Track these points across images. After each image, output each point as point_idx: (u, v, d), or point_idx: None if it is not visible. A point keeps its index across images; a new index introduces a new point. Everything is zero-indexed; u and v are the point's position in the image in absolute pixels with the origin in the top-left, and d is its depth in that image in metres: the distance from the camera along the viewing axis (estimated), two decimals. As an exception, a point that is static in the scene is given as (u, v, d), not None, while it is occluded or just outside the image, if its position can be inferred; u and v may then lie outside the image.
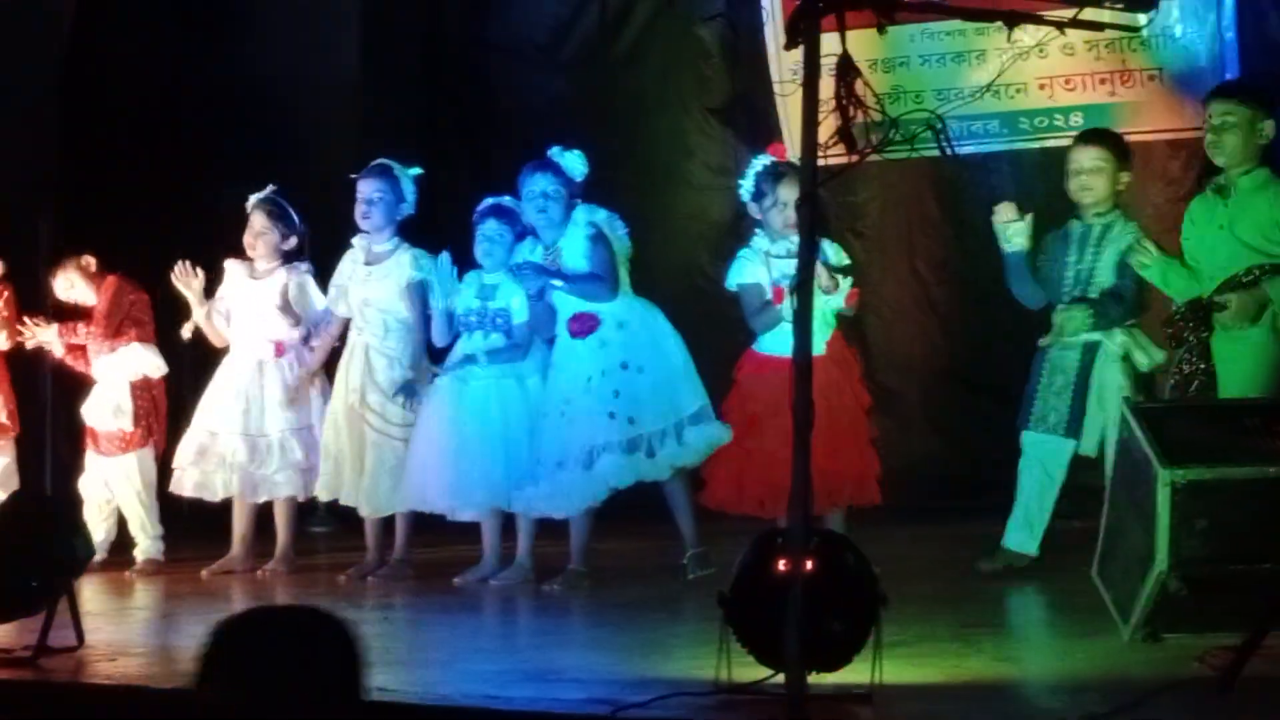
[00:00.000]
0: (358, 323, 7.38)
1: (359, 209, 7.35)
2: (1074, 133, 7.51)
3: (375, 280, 7.34)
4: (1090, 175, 6.62)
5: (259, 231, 7.60)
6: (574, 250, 6.87)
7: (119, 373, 7.76)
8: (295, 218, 7.66)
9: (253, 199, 7.63)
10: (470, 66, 9.63)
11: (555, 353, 6.94)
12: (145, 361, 7.76)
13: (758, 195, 6.83)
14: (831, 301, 6.66)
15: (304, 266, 7.65)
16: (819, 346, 6.65)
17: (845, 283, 6.65)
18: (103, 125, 9.01)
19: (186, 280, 7.54)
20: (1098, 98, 8.27)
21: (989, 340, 8.43)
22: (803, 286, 4.00)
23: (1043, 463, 6.61)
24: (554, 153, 6.94)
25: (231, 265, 7.68)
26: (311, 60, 9.26)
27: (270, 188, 7.64)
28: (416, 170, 7.44)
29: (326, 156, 8.86)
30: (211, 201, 8.24)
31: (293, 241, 7.66)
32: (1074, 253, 6.65)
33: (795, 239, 6.52)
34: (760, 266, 6.79)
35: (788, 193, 6.56)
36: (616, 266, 6.87)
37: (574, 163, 6.94)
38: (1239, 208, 6.00)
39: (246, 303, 7.62)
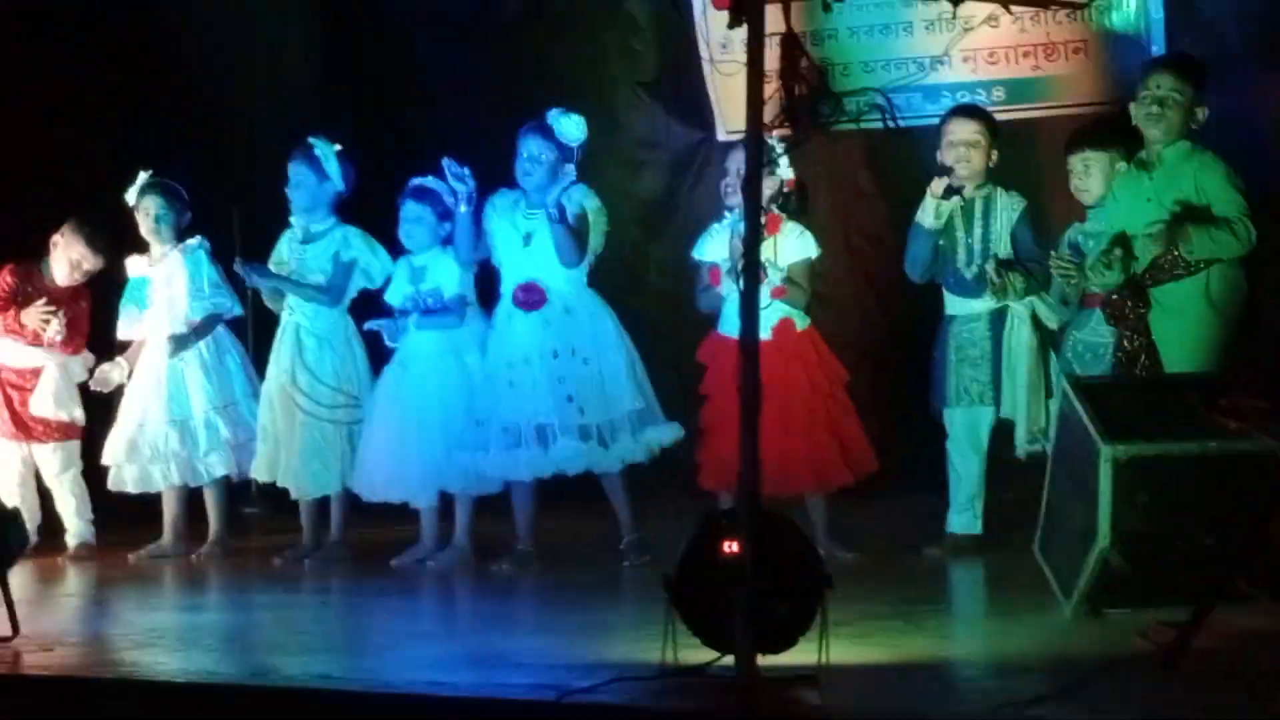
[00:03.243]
0: (290, 302, 7.31)
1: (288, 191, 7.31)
2: (997, 106, 7.54)
3: (309, 259, 7.28)
4: (969, 148, 6.69)
5: (156, 215, 7.50)
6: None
7: (72, 368, 7.66)
8: (184, 195, 7.56)
9: (134, 188, 7.51)
10: (393, 42, 9.52)
11: (497, 318, 6.87)
12: (90, 364, 7.69)
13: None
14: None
15: (198, 242, 7.55)
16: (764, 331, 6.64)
17: (773, 274, 6.59)
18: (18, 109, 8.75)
19: None
20: (1021, 71, 8.21)
21: (925, 314, 8.41)
22: (749, 269, 3.96)
23: (970, 437, 6.66)
24: (551, 115, 6.83)
25: (132, 260, 7.58)
26: (235, 40, 9.12)
27: (147, 173, 7.52)
28: (335, 147, 7.32)
29: (252, 136, 8.74)
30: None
31: (187, 218, 7.56)
32: (960, 228, 6.68)
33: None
34: (721, 244, 6.74)
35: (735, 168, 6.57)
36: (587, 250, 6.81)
37: (569, 127, 6.83)
38: (1166, 178, 6.04)
39: (155, 289, 7.52)
